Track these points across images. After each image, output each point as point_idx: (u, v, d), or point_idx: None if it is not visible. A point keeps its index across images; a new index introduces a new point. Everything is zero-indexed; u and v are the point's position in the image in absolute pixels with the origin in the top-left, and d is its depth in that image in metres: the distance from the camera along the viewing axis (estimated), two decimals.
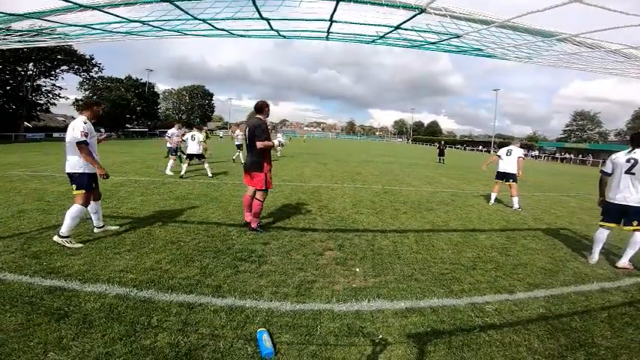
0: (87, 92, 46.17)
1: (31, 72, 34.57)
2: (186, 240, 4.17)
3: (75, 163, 3.86)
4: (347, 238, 4.63)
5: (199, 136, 9.64)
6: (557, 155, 48.88)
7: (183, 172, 9.40)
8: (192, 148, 9.47)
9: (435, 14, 2.15)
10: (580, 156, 45.58)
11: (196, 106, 76.14)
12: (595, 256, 4.31)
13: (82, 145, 3.77)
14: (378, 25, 2.47)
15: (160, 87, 76.41)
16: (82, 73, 41.68)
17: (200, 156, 9.58)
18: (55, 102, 38.28)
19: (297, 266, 3.59)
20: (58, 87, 37.68)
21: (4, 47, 3.28)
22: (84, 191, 3.90)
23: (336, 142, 55.12)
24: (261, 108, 4.71)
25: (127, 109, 47.93)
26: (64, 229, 3.78)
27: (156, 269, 3.31)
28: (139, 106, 51.20)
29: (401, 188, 9.47)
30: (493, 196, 7.97)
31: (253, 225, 4.69)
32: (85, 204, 3.95)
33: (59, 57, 35.89)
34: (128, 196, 6.57)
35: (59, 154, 15.56)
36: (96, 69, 42.58)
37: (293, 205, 6.50)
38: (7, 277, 2.98)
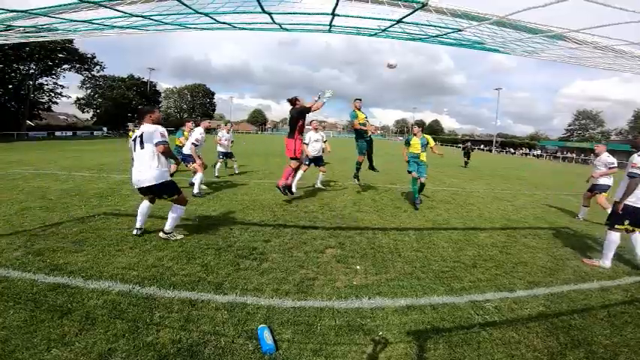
0: (88, 91, 46.35)
1: (32, 71, 34.68)
2: (188, 237, 4.19)
3: (159, 175, 3.84)
4: (348, 236, 4.64)
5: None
6: (559, 154, 48.66)
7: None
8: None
9: (434, 12, 2.15)
10: (582, 155, 45.39)
11: (198, 105, 76.30)
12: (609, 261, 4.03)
13: (162, 145, 3.79)
14: (380, 19, 2.47)
15: (163, 86, 76.43)
16: (84, 72, 41.82)
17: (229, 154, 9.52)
18: (57, 100, 38.48)
19: (298, 264, 3.61)
20: (60, 85, 37.88)
21: (5, 42, 3.30)
22: (177, 195, 4.04)
23: (337, 141, 55.05)
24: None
25: (128, 107, 48.06)
26: (168, 227, 4.02)
27: (158, 266, 3.33)
28: (140, 105, 51.33)
29: (402, 186, 9.47)
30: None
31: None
32: (184, 202, 4.18)
33: (60, 56, 35.98)
34: (130, 194, 6.59)
35: (61, 152, 15.61)
36: (97, 67, 42.70)
37: (294, 202, 6.51)
38: (11, 274, 3.01)
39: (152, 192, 3.94)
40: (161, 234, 4.03)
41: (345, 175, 11.07)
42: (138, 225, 4.12)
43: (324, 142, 8.44)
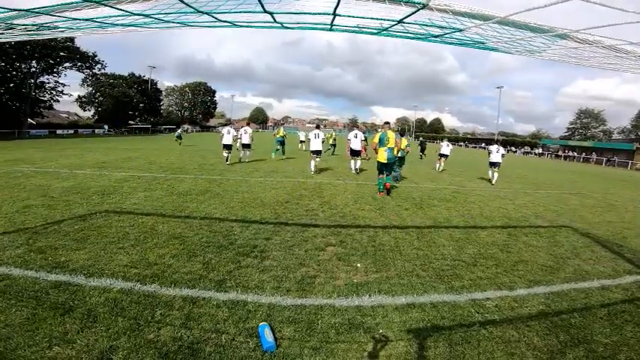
0: (90, 89, 46.34)
1: (34, 69, 34.65)
2: (189, 235, 4.21)
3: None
4: (348, 234, 4.65)
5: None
6: (561, 153, 48.48)
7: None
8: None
9: (436, 10, 2.15)
10: (584, 154, 45.21)
11: (199, 103, 76.21)
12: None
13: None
14: (382, 19, 2.46)
15: (165, 84, 76.25)
16: (85, 70, 41.76)
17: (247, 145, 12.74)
18: (59, 99, 38.43)
19: (298, 261, 3.62)
20: (61, 84, 37.77)
21: (6, 40, 3.30)
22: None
23: (337, 139, 54.97)
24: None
25: (129, 105, 48.09)
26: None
27: (159, 264, 3.34)
28: (141, 103, 51.35)
29: (403, 185, 9.46)
30: None
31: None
32: None
33: (62, 54, 35.92)
34: (131, 191, 6.61)
35: (63, 150, 15.63)
36: (99, 66, 42.62)
37: (295, 201, 6.51)
38: (13, 271, 3.02)
39: (318, 153, 10.50)
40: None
41: (346, 174, 11.07)
42: (314, 169, 10.38)
43: (364, 140, 11.32)
